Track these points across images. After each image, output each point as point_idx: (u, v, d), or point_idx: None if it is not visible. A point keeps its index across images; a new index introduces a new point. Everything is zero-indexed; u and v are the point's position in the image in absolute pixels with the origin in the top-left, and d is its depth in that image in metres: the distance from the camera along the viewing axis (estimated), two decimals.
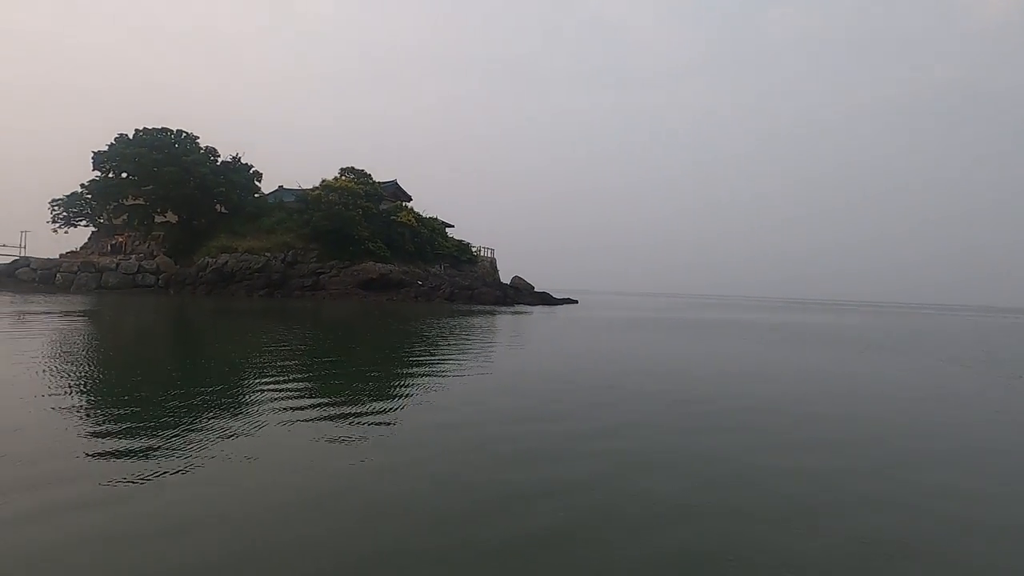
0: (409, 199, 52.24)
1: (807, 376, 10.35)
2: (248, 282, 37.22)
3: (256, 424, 5.27)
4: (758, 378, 9.88)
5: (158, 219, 42.21)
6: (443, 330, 16.81)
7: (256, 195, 45.23)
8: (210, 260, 38.35)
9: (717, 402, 7.29)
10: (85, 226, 44.98)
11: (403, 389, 7.52)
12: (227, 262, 38.01)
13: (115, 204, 40.69)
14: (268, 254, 38.84)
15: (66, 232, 43.55)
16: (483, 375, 8.86)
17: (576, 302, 47.71)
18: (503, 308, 33.81)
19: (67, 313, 18.29)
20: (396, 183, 51.38)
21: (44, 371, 7.65)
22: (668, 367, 10.86)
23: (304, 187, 44.02)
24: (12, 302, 23.49)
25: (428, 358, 10.69)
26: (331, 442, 4.85)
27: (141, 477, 3.83)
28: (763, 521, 3.49)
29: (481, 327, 18.59)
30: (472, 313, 26.58)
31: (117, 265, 38.70)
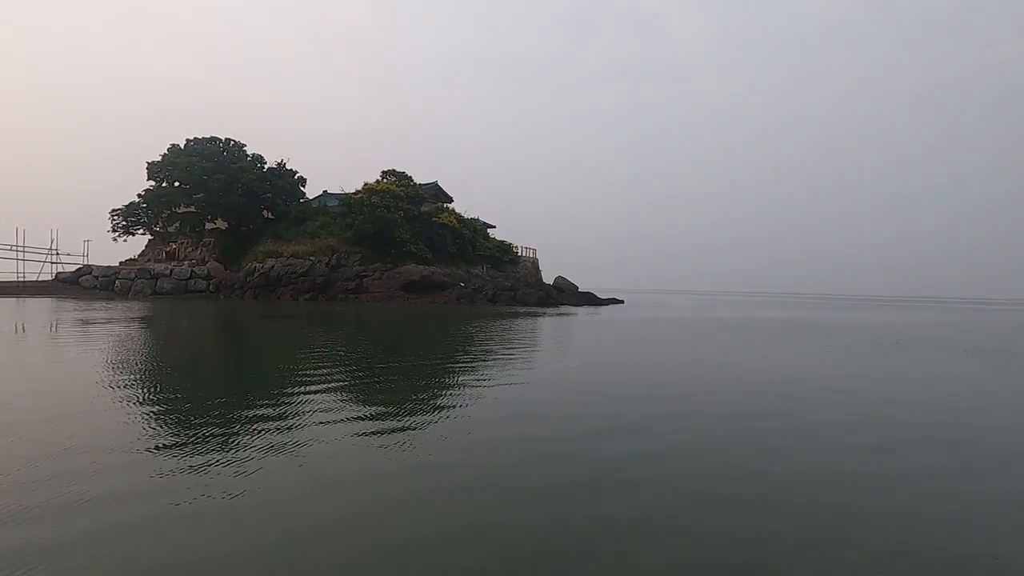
0: (450, 200, 52.02)
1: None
2: (293, 286, 37.66)
3: (296, 426, 5.34)
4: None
5: (209, 226, 43.46)
6: (485, 333, 16.07)
7: (301, 200, 45.96)
8: (257, 265, 39.05)
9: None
10: (142, 234, 46.89)
11: (444, 394, 7.35)
12: (273, 266, 38.61)
13: (168, 212, 42.10)
14: (312, 258, 39.23)
15: (125, 240, 45.52)
16: (524, 383, 7.99)
17: (622, 302, 46.24)
18: (547, 309, 32.89)
19: (123, 320, 18.55)
20: (437, 184, 51.28)
21: (104, 371, 8.19)
22: (748, 380, 9.69)
23: (347, 191, 44.43)
24: (76, 308, 24.40)
25: (470, 362, 10.14)
26: (371, 447, 4.81)
27: (191, 470, 4.02)
28: None
29: (524, 329, 17.75)
30: (515, 315, 25.79)
31: (171, 271, 39.95)
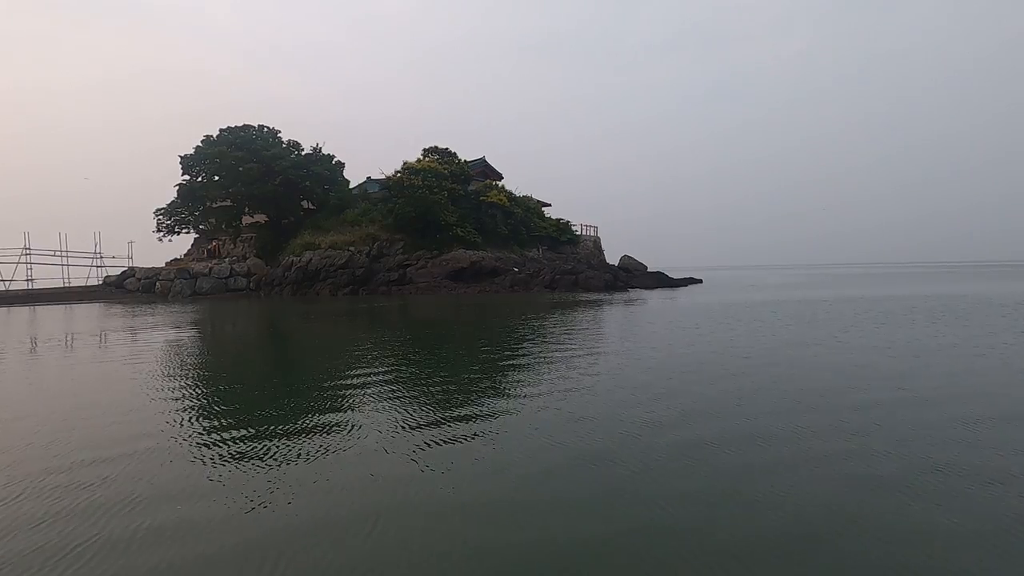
0: (500, 177, 47.50)
1: None
2: (332, 280, 34.58)
3: (348, 442, 4.77)
4: None
5: (247, 220, 41.18)
6: (545, 330, 11.59)
7: (342, 188, 42.79)
8: (294, 259, 36.25)
9: None
10: (187, 233, 45.40)
11: (493, 408, 6.07)
12: (310, 260, 35.67)
13: (203, 207, 40.03)
14: (351, 248, 36.00)
15: (170, 240, 44.08)
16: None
17: (700, 281, 40.44)
18: (615, 295, 27.95)
19: (150, 330, 15.50)
20: (484, 160, 46.82)
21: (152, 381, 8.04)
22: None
23: (388, 174, 40.85)
24: (121, 314, 22.49)
25: (524, 374, 7.88)
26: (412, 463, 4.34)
27: (242, 481, 3.87)
28: None
29: (592, 323, 13.13)
30: (579, 304, 21.17)
31: (210, 270, 37.97)
